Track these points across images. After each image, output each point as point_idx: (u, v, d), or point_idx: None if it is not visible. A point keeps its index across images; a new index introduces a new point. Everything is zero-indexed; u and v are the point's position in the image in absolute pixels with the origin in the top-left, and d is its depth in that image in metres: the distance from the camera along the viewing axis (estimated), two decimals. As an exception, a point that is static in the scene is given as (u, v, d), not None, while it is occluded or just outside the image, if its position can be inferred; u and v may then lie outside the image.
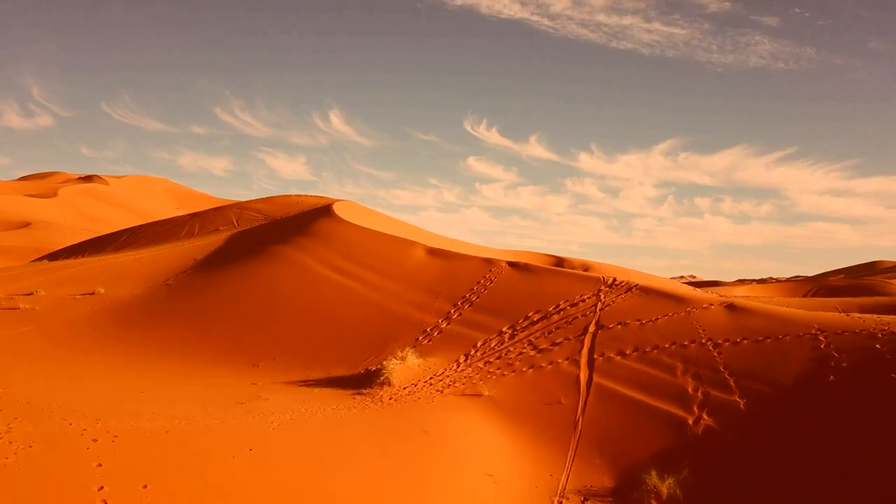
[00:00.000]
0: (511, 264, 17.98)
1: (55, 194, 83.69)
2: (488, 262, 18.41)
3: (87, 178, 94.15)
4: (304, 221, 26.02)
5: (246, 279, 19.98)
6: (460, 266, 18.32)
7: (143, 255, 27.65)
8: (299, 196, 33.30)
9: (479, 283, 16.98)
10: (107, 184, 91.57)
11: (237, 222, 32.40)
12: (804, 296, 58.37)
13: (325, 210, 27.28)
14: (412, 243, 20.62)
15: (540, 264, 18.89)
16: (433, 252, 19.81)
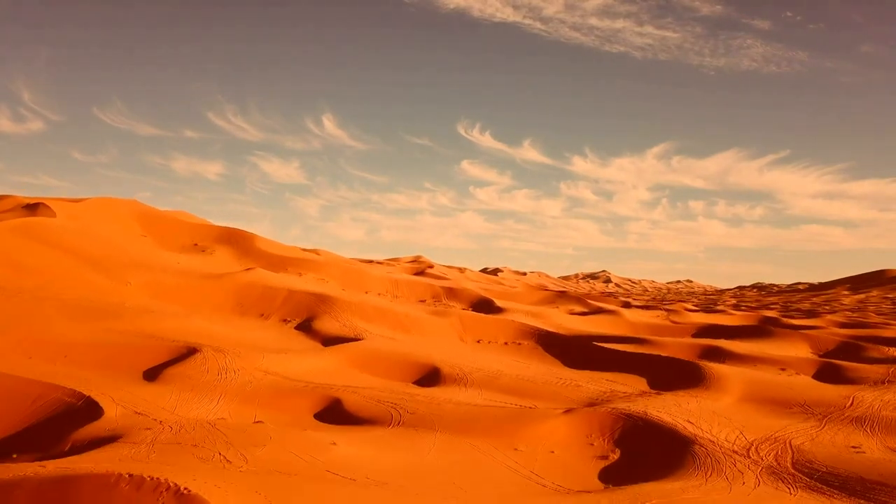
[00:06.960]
0: None
1: (-22, 231, 63.10)
2: None
3: (32, 208, 73.78)
4: None
5: None
6: None
7: None
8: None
9: None
10: (53, 214, 71.05)
11: None
12: None
13: None
14: None
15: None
16: None
